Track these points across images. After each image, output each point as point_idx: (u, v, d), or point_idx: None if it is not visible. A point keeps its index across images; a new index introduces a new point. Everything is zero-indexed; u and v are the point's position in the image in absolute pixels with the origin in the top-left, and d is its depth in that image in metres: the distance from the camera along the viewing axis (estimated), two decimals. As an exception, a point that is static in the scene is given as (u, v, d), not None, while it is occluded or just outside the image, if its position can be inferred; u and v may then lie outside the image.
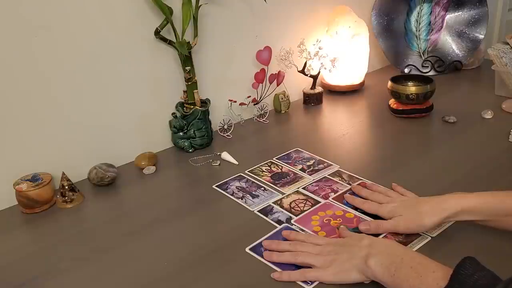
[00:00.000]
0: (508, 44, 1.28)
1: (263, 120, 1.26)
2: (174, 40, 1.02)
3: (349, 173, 0.95)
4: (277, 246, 0.72)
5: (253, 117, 1.27)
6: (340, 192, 0.88)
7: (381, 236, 0.74)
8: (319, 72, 1.33)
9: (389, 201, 0.80)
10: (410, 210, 0.74)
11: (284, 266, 0.69)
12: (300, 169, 0.98)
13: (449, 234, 0.74)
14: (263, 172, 0.98)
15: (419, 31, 1.54)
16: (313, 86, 1.35)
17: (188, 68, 1.04)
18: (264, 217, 0.82)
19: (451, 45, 1.52)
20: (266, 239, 0.76)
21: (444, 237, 0.73)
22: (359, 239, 0.68)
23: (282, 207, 0.85)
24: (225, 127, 1.18)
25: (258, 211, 0.84)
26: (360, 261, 0.63)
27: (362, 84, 1.43)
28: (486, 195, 0.70)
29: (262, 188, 0.92)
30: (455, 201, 0.70)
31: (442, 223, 0.73)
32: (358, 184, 0.89)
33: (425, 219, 0.71)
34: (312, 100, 1.34)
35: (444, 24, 1.53)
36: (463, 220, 0.70)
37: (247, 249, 0.73)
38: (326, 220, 0.80)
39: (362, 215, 0.81)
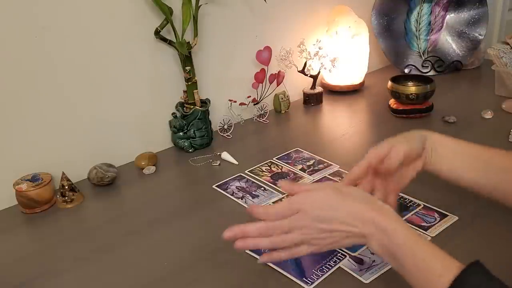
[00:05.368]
0: (508, 44, 1.28)
1: (263, 120, 1.26)
2: (174, 40, 1.02)
3: (349, 173, 0.95)
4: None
5: (253, 117, 1.27)
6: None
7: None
8: (319, 72, 1.33)
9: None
10: None
11: (282, 264, 0.69)
12: (300, 169, 0.98)
13: (449, 234, 0.74)
14: (263, 172, 0.98)
15: (419, 31, 1.54)
16: (313, 86, 1.35)
17: (188, 68, 1.04)
18: (264, 217, 0.82)
19: (451, 45, 1.52)
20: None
21: (444, 237, 0.73)
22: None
23: (282, 207, 0.85)
24: (225, 127, 1.18)
25: (258, 211, 0.84)
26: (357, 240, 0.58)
27: (362, 84, 1.43)
28: None
29: (262, 188, 0.92)
30: None
31: None
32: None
33: None
34: (312, 100, 1.34)
35: (444, 24, 1.53)
36: None
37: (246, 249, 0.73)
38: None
39: None
